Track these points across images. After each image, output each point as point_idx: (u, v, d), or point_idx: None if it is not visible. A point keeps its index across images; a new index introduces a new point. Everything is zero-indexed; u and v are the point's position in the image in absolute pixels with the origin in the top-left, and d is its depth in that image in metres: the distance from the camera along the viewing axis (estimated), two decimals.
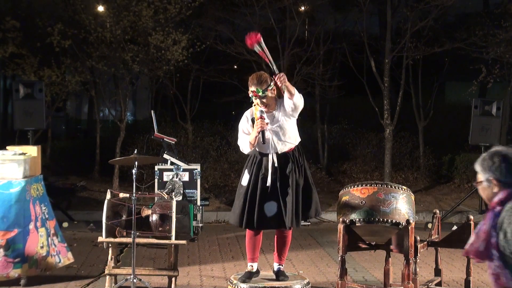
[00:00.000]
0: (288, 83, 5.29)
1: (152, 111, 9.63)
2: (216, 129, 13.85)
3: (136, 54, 11.20)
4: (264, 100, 5.44)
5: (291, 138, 5.55)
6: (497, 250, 3.09)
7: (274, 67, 5.33)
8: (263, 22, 12.39)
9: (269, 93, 5.44)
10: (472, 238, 3.23)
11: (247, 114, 5.64)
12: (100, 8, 11.55)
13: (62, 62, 11.64)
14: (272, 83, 5.44)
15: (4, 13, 11.40)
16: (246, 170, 5.61)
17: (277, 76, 5.26)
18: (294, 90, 5.34)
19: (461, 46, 12.12)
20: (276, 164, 5.48)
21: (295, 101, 5.35)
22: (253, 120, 5.50)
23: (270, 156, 5.50)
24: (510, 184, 3.11)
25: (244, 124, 5.62)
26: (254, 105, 5.52)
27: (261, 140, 5.42)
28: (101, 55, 11.43)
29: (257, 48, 5.35)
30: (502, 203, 3.10)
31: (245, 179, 5.58)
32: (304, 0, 12.87)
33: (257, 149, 5.56)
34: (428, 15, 11.93)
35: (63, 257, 6.59)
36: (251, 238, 5.62)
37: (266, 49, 5.33)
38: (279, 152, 5.51)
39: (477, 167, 3.20)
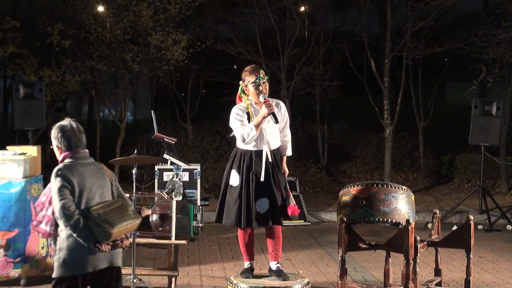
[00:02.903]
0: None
1: (152, 111, 9.62)
2: (216, 129, 13.83)
3: (136, 54, 11.20)
4: (267, 86, 5.57)
5: (277, 137, 5.65)
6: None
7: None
8: (263, 22, 12.38)
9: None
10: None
11: (240, 107, 5.61)
12: (100, 8, 11.54)
13: (62, 62, 11.64)
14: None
15: (4, 13, 11.40)
16: (234, 170, 5.58)
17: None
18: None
19: (461, 46, 12.11)
20: (270, 159, 5.52)
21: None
22: (248, 114, 5.52)
23: (264, 152, 5.52)
24: (65, 150, 4.05)
25: (240, 115, 5.55)
26: (242, 98, 5.61)
27: (274, 120, 5.44)
28: (101, 55, 11.43)
29: None
30: (62, 162, 4.02)
31: (235, 179, 5.57)
32: (304, 0, 12.85)
33: (245, 147, 5.55)
34: (428, 15, 11.92)
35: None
36: (244, 236, 5.67)
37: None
38: (271, 148, 5.58)
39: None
